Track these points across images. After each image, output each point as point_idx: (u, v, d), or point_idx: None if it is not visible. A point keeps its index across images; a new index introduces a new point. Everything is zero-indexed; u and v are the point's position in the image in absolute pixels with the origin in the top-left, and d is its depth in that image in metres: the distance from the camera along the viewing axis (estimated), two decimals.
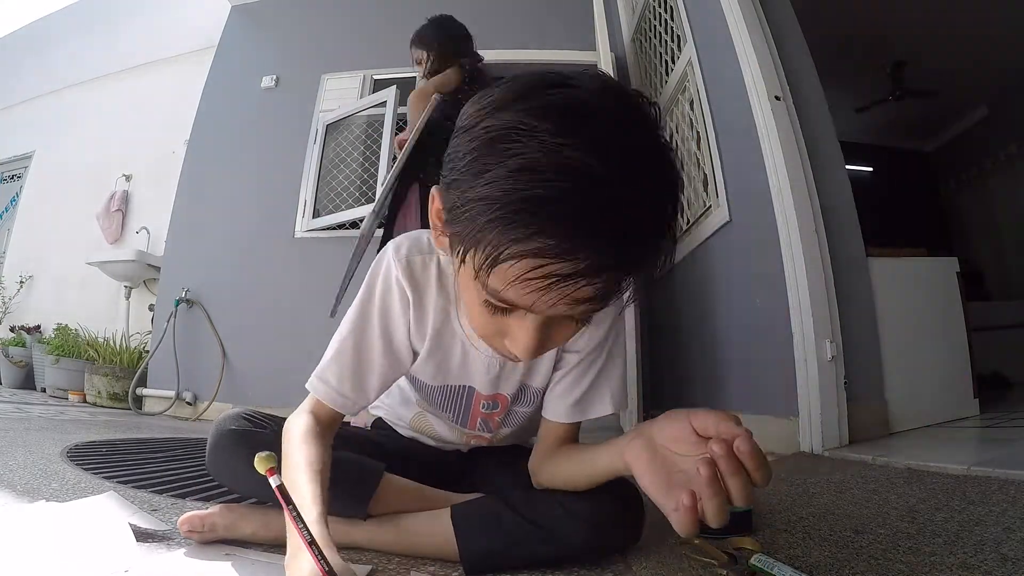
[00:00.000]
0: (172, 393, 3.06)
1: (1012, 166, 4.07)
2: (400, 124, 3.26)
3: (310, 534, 0.45)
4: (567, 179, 0.40)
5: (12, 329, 4.10)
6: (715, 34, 1.97)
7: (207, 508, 0.70)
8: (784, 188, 1.62)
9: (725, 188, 2.02)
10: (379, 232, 1.96)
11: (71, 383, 3.32)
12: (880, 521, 0.85)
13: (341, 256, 3.22)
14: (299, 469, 0.58)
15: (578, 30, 3.25)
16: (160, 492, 1.00)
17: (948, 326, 1.74)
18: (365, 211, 3.07)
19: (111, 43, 4.41)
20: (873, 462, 1.30)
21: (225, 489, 0.90)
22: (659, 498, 0.47)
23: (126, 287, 3.85)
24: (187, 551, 0.65)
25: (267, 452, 0.46)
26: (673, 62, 2.49)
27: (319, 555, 0.44)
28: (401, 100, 3.20)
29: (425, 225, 2.25)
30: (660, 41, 2.64)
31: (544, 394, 0.75)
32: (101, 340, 3.48)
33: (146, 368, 3.12)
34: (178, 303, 3.14)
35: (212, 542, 0.68)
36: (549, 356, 0.71)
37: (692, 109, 2.30)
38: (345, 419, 0.73)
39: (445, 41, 1.96)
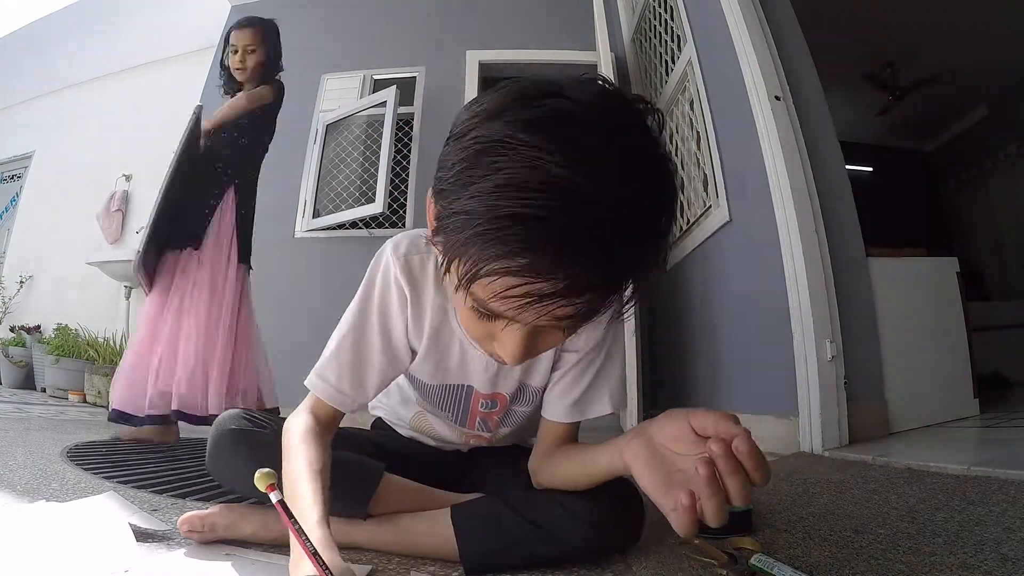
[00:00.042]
0: None
1: (1012, 166, 4.07)
2: (400, 124, 3.26)
3: (313, 547, 0.45)
4: (551, 197, 0.39)
5: (12, 329, 4.09)
6: (715, 34, 1.98)
7: (207, 508, 0.71)
8: (784, 188, 1.63)
9: (725, 188, 2.02)
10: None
11: (71, 383, 3.31)
12: (880, 521, 0.85)
13: (341, 256, 3.24)
14: (299, 469, 0.58)
15: (578, 30, 3.25)
16: (160, 492, 1.00)
17: (948, 326, 1.74)
18: (365, 211, 3.08)
19: (111, 43, 4.41)
20: (873, 462, 1.30)
21: (225, 489, 0.90)
22: (658, 497, 0.47)
23: (126, 287, 3.83)
24: (187, 551, 0.65)
25: (267, 469, 0.47)
26: (673, 62, 2.49)
27: (323, 566, 0.44)
28: (401, 100, 3.21)
29: (240, 227, 2.18)
30: (660, 41, 2.64)
31: (543, 393, 0.75)
32: (101, 340, 3.47)
33: None
34: None
35: (212, 542, 0.68)
36: (548, 356, 0.71)
37: (692, 109, 2.30)
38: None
39: (277, 55, 2.06)
